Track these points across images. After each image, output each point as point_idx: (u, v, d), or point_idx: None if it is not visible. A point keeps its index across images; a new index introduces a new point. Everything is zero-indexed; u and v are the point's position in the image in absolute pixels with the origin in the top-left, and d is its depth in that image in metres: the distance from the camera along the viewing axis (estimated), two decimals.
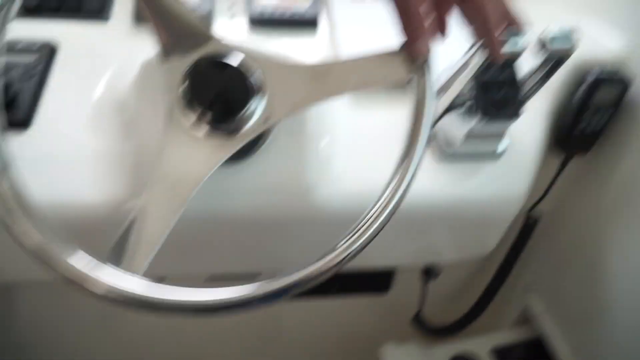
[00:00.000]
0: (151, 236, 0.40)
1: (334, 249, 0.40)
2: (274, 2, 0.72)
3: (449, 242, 0.78)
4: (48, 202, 0.53)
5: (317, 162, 0.59)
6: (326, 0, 0.75)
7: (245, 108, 0.43)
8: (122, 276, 0.37)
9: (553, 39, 0.51)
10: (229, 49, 0.45)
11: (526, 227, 0.85)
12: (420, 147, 0.42)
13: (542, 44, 0.52)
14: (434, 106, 0.43)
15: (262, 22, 0.71)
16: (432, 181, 0.65)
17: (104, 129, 0.56)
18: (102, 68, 0.61)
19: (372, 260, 0.79)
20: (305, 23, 0.73)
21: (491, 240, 0.78)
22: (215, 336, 1.03)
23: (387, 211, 0.41)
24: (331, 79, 0.45)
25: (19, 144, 0.54)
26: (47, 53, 0.60)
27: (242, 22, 0.71)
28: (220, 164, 0.44)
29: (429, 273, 0.83)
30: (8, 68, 0.57)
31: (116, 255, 0.39)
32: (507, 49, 0.50)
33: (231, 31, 0.69)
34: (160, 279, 0.72)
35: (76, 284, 0.36)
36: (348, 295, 1.01)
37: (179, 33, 0.44)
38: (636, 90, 0.66)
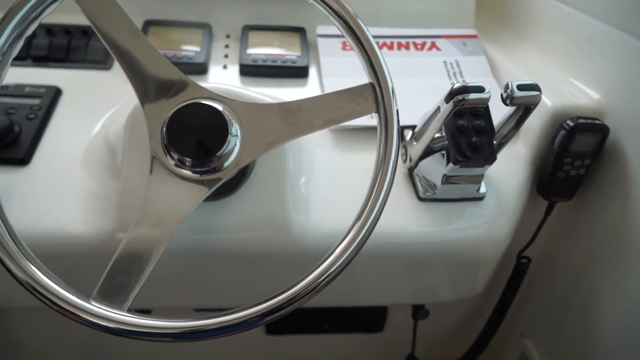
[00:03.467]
0: (136, 272, 0.43)
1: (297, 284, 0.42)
2: (265, 51, 0.77)
3: (437, 282, 0.78)
4: (41, 234, 0.57)
5: (296, 200, 0.62)
6: (316, 51, 0.80)
7: (223, 148, 0.46)
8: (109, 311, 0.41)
9: (519, 89, 0.53)
10: (204, 94, 0.48)
11: (517, 270, 0.84)
12: (387, 176, 0.45)
13: (510, 94, 0.54)
14: (397, 136, 0.46)
15: (254, 69, 0.75)
16: (417, 223, 0.66)
17: (96, 168, 0.60)
18: (100, 112, 0.66)
19: (362, 298, 0.80)
20: (296, 72, 0.77)
21: (479, 281, 0.78)
22: None
23: (353, 246, 0.44)
24: (302, 115, 0.48)
25: (18, 180, 0.59)
26: (52, 96, 0.66)
27: (234, 70, 0.75)
28: (201, 200, 0.47)
29: (417, 313, 0.83)
30: (15, 109, 0.63)
31: (105, 289, 0.42)
32: (473, 97, 0.53)
33: (224, 79, 0.74)
34: (146, 311, 0.74)
35: (67, 314, 0.40)
36: (344, 332, 1.02)
37: (155, 85, 0.47)
38: (615, 138, 0.67)
